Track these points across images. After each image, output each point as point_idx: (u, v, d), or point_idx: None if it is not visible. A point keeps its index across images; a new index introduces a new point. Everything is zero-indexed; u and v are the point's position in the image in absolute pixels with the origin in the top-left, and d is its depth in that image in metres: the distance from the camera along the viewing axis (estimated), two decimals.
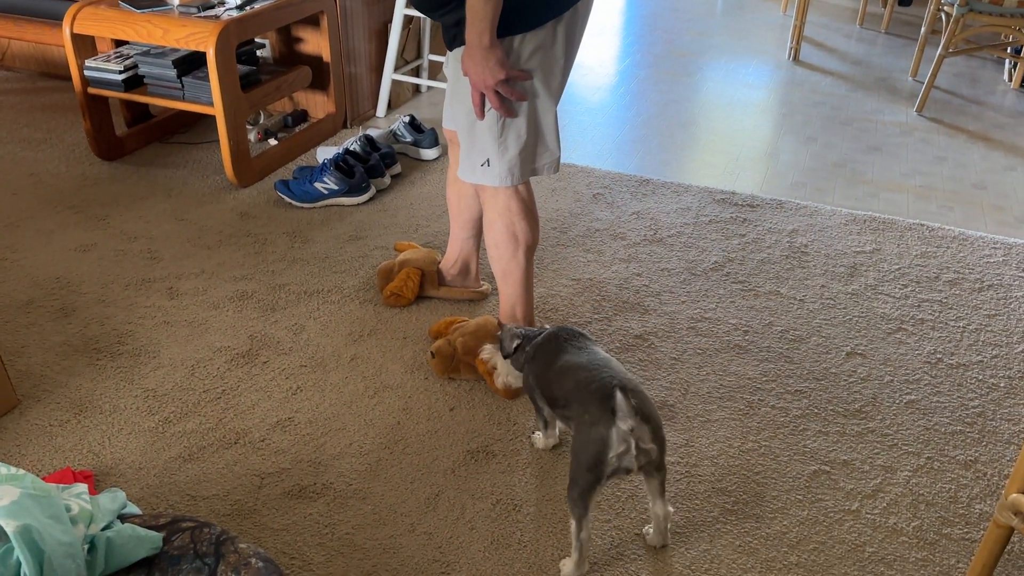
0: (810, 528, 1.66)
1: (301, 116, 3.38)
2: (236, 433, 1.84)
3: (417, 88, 3.82)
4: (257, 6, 2.79)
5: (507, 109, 1.72)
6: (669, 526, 1.59)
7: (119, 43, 3.04)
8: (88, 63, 2.84)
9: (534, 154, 1.81)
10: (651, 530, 1.60)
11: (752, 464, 1.80)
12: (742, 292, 2.38)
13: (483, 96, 1.71)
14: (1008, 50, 4.21)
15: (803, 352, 2.15)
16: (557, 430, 1.81)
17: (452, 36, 1.76)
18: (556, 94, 1.78)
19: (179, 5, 2.78)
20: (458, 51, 1.75)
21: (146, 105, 3.16)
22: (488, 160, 1.80)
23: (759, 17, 5.19)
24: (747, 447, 1.85)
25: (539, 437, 1.82)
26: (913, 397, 2.01)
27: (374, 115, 3.55)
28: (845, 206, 2.88)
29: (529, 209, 1.89)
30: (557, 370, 1.58)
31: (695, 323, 2.25)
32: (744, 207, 2.84)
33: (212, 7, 2.78)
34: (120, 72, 2.81)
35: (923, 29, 4.20)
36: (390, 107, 3.59)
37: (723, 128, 3.53)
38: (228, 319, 2.21)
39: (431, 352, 2.05)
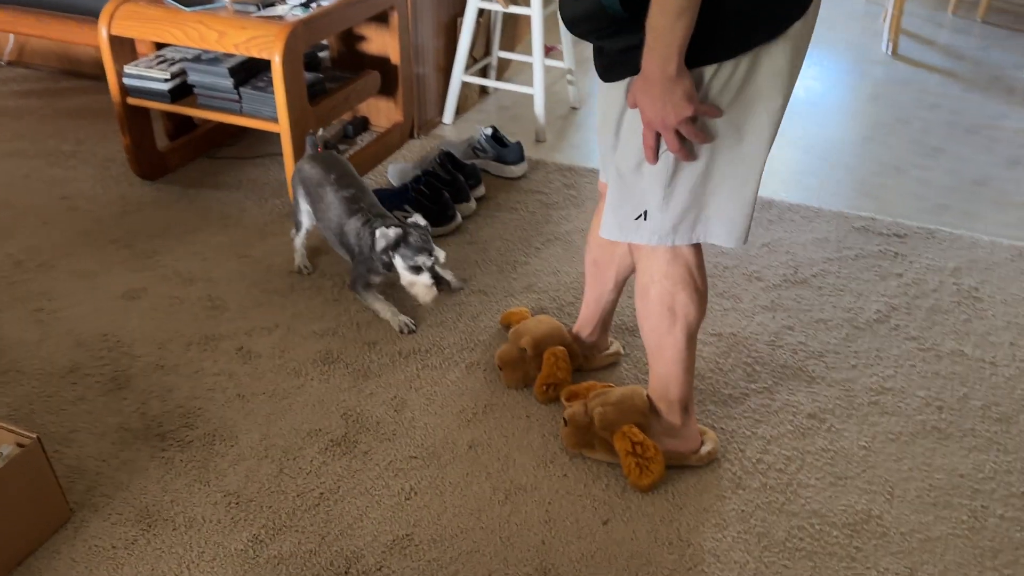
0: None
1: (362, 124, 2.99)
2: (345, 558, 1.47)
3: (484, 90, 3.42)
4: (325, 3, 2.39)
5: (687, 152, 1.33)
6: None
7: (160, 44, 2.64)
8: (128, 70, 2.44)
9: (703, 212, 1.41)
10: None
11: None
12: (920, 353, 2.00)
13: (658, 136, 1.32)
14: None
15: (1015, 436, 1.77)
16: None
17: (611, 64, 1.36)
18: (758, 139, 1.33)
19: (233, 2, 2.38)
20: (622, 82, 1.36)
21: None
22: (646, 212, 1.41)
23: (835, 2, 4.75)
24: None
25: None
26: None
27: (440, 122, 3.16)
28: (1003, 235, 2.48)
29: (692, 279, 1.49)
30: None
31: (876, 396, 1.87)
32: (891, 237, 2.45)
33: (272, 4, 2.38)
34: (166, 80, 2.41)
35: None
36: (457, 113, 3.19)
37: (835, 137, 3.13)
38: (314, 390, 1.84)
39: (563, 419, 1.69)
